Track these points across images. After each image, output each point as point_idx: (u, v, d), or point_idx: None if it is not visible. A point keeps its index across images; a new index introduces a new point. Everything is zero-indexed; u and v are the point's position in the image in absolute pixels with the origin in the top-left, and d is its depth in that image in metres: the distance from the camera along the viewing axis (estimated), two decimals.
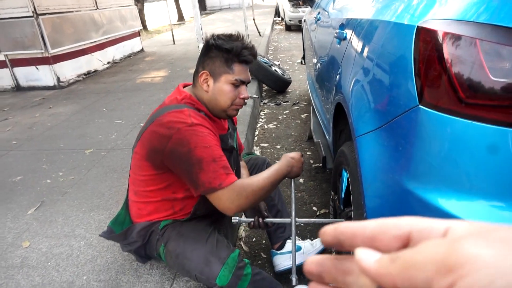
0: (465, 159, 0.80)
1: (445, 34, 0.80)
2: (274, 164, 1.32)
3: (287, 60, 6.59)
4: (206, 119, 1.28)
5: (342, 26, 1.54)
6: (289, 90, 4.71)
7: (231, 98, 1.27)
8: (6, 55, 4.86)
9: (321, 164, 2.75)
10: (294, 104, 4.20)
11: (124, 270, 1.52)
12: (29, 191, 2.30)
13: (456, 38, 0.79)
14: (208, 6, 20.28)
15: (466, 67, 0.77)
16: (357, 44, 1.30)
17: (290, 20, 10.16)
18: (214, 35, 1.29)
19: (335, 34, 1.59)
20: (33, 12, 4.52)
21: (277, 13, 14.54)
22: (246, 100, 1.35)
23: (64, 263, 1.61)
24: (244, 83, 1.30)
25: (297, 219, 1.35)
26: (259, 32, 8.42)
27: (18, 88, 5.07)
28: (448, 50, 0.80)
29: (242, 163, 1.66)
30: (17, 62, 4.92)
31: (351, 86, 1.28)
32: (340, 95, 1.44)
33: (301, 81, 5.14)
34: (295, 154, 1.37)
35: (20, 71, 4.98)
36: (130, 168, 1.41)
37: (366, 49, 1.20)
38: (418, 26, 0.87)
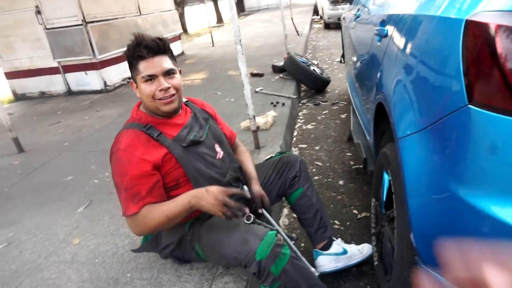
0: None
1: (498, 26, 0.74)
2: (186, 193, 1.26)
3: (326, 59, 6.48)
4: (144, 136, 1.28)
5: (383, 23, 1.48)
6: (328, 90, 4.62)
7: (149, 94, 1.27)
8: (59, 61, 5.19)
9: (361, 166, 2.67)
10: (333, 104, 4.11)
11: (165, 270, 1.57)
12: (78, 190, 2.43)
13: (510, 30, 0.72)
14: (246, 7, 20.44)
15: None
16: (399, 41, 1.25)
17: (329, 18, 9.97)
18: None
19: (376, 31, 1.53)
20: (82, 20, 4.79)
21: (315, 12, 14.34)
22: (172, 91, 1.29)
23: (110, 260, 1.68)
24: (156, 76, 1.26)
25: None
26: (297, 31, 8.34)
27: (69, 93, 5.40)
28: (502, 44, 0.74)
29: (241, 149, 1.67)
30: (68, 68, 5.24)
31: (393, 85, 1.22)
32: (381, 94, 1.39)
33: (340, 80, 5.02)
34: (215, 189, 1.22)
35: (71, 77, 5.30)
36: None
37: (409, 46, 1.14)
38: (467, 20, 0.81)
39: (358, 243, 1.89)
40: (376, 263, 1.59)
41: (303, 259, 1.40)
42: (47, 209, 2.24)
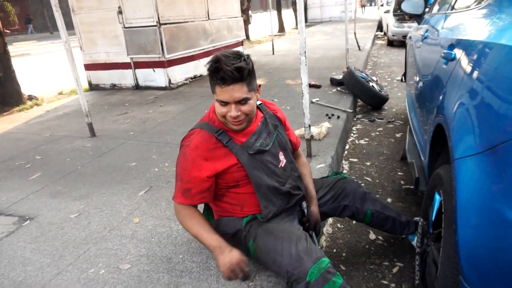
0: None
1: None
2: (210, 237, 1.40)
3: (386, 77, 6.37)
4: (213, 140, 1.40)
5: (452, 47, 1.50)
6: (385, 107, 4.57)
7: (220, 113, 1.35)
8: (132, 58, 5.64)
9: (411, 186, 2.64)
10: (389, 122, 4.06)
11: (213, 257, 1.69)
12: (140, 175, 2.66)
13: None
14: (309, 18, 20.54)
15: None
16: (466, 65, 1.27)
17: (393, 35, 9.77)
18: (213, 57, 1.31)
19: (443, 54, 1.55)
20: (157, 22, 5.19)
21: (379, 28, 14.08)
22: (242, 116, 1.34)
23: (165, 241, 1.85)
24: (228, 103, 1.30)
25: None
26: (358, 46, 8.29)
27: (137, 87, 5.84)
28: None
29: (302, 160, 1.77)
30: (139, 65, 5.67)
31: (455, 108, 1.25)
32: (441, 116, 1.41)
33: (399, 99, 4.94)
34: (236, 257, 1.35)
35: (140, 73, 5.73)
36: None
37: (475, 71, 1.17)
38: None
39: (399, 261, 1.90)
40: (417, 282, 1.59)
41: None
42: (112, 189, 2.48)
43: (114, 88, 6.02)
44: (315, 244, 1.48)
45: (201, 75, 6.38)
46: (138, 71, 5.74)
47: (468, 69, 1.24)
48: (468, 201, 1.03)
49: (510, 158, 0.89)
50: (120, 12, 5.41)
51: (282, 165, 1.54)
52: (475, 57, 1.22)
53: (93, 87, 6.17)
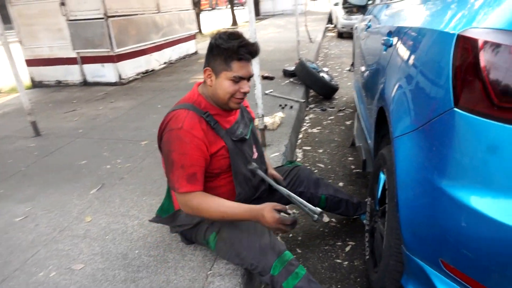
0: (498, 159, 0.84)
1: (484, 42, 0.85)
2: (244, 208, 1.35)
3: (336, 67, 6.59)
4: (203, 121, 1.38)
5: (390, 34, 1.59)
6: (336, 97, 4.73)
7: (230, 92, 1.36)
8: (78, 52, 5.36)
9: (361, 170, 2.77)
10: (340, 110, 4.22)
11: (171, 249, 1.68)
12: (92, 173, 2.56)
13: (494, 46, 0.83)
14: (262, 11, 20.62)
15: (501, 73, 0.81)
16: (402, 51, 1.36)
17: (342, 27, 10.10)
18: (216, 35, 1.36)
19: (382, 41, 1.64)
20: (104, 14, 4.97)
21: (330, 20, 14.47)
22: (247, 93, 1.42)
23: (120, 238, 1.81)
24: (244, 78, 1.37)
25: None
26: (310, 39, 8.47)
27: (85, 83, 5.57)
28: (485, 57, 0.84)
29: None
30: (86, 60, 5.41)
31: (394, 91, 1.33)
32: (383, 99, 1.50)
33: (348, 88, 5.13)
34: (270, 216, 1.29)
35: (88, 68, 5.47)
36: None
37: (409, 56, 1.26)
38: (458, 35, 0.92)
39: (351, 240, 2.00)
40: (367, 257, 1.69)
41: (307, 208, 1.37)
42: (62, 189, 2.37)
43: (59, 85, 5.69)
44: (290, 195, 1.45)
45: (153, 70, 6.21)
46: (85, 66, 5.48)
47: (403, 54, 1.33)
48: (405, 175, 1.11)
49: (438, 134, 0.97)
50: (62, 4, 5.11)
51: (255, 157, 1.59)
52: (408, 42, 1.31)
53: (36, 84, 5.80)
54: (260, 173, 1.53)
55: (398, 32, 1.46)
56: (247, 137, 1.56)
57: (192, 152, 1.34)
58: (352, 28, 9.71)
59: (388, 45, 1.56)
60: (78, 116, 4.03)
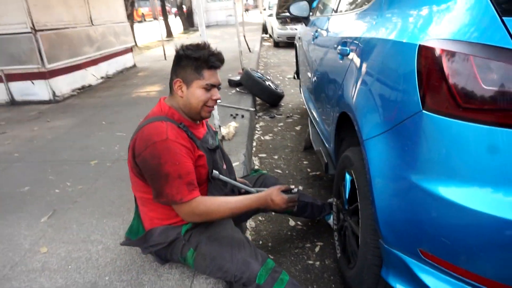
0: (463, 154, 0.95)
1: (444, 51, 0.96)
2: (250, 197, 1.44)
3: (278, 75, 6.81)
4: (182, 131, 1.39)
5: (345, 44, 1.71)
6: (282, 104, 4.89)
7: (203, 100, 1.39)
8: (2, 70, 4.89)
9: (317, 173, 2.90)
10: (288, 117, 4.36)
11: (144, 270, 1.61)
12: (38, 200, 2.35)
13: (454, 54, 0.95)
14: (195, 23, 20.57)
15: (462, 77, 0.93)
16: (361, 59, 1.47)
17: (278, 37, 10.47)
18: (183, 46, 1.41)
19: (338, 51, 1.75)
20: (31, 28, 4.60)
21: (264, 30, 14.90)
22: (218, 101, 1.48)
23: (85, 266, 1.68)
24: (215, 86, 1.42)
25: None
26: (249, 49, 8.65)
27: (12, 103, 5.09)
28: (446, 64, 0.95)
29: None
30: (12, 77, 4.94)
31: (357, 98, 1.43)
32: (344, 106, 1.60)
33: (292, 95, 5.33)
34: (279, 199, 1.44)
35: (15, 86, 5.00)
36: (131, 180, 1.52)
37: (371, 64, 1.36)
38: (420, 45, 1.03)
39: (319, 241, 2.08)
40: (339, 255, 1.77)
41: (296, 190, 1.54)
42: (4, 221, 2.14)
43: None
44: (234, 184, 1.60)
45: (90, 85, 5.88)
46: (12, 84, 5.00)
47: (363, 62, 1.43)
48: (379, 174, 1.20)
49: (408, 134, 1.07)
50: None
51: (224, 167, 1.61)
52: (367, 51, 1.42)
53: None
54: (223, 177, 1.55)
55: (355, 42, 1.57)
56: (218, 147, 1.59)
57: (184, 160, 1.32)
58: (287, 38, 10.16)
59: (344, 54, 1.67)
60: (10, 138, 3.67)
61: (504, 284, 0.95)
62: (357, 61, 1.50)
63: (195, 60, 1.36)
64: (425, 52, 1.01)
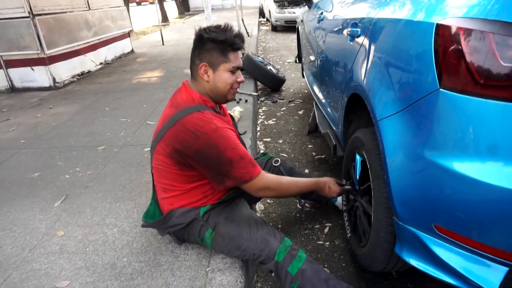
0: (479, 130, 0.97)
1: (463, 29, 0.98)
2: (311, 180, 1.61)
3: (277, 60, 6.77)
4: (221, 116, 1.41)
5: (355, 25, 1.71)
6: (284, 88, 4.89)
7: (230, 83, 1.40)
8: (1, 55, 4.84)
9: (322, 156, 2.93)
10: (290, 101, 4.37)
11: (161, 252, 1.65)
12: (50, 186, 2.38)
13: (472, 32, 0.96)
14: (191, 7, 20.29)
15: (481, 55, 0.95)
16: (373, 39, 1.48)
17: (276, 21, 10.36)
18: (205, 29, 1.37)
19: (348, 32, 1.76)
20: (29, 12, 4.54)
21: (261, 14, 14.72)
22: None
23: (102, 248, 1.72)
24: (239, 68, 1.43)
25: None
26: (247, 33, 8.57)
27: (12, 89, 5.06)
28: (464, 42, 0.97)
29: None
30: (11, 63, 4.90)
31: (369, 77, 1.45)
32: (355, 86, 1.62)
33: (293, 79, 5.32)
34: (336, 188, 1.66)
35: (14, 72, 4.96)
36: (152, 167, 1.53)
37: (383, 44, 1.38)
38: (437, 24, 1.04)
39: (328, 222, 2.13)
40: (349, 235, 1.82)
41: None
42: (18, 205, 2.17)
43: None
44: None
45: (89, 71, 5.84)
46: (11, 70, 4.96)
47: (377, 42, 1.44)
48: (394, 153, 1.23)
49: (425, 112, 1.09)
50: None
51: None
52: (381, 32, 1.43)
53: None
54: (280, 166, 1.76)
55: (367, 22, 1.58)
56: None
57: (238, 142, 1.38)
58: (285, 22, 10.06)
59: (355, 36, 1.67)
60: (15, 125, 3.67)
61: None
62: (369, 42, 1.51)
63: (221, 43, 1.34)
64: (443, 31, 1.03)
